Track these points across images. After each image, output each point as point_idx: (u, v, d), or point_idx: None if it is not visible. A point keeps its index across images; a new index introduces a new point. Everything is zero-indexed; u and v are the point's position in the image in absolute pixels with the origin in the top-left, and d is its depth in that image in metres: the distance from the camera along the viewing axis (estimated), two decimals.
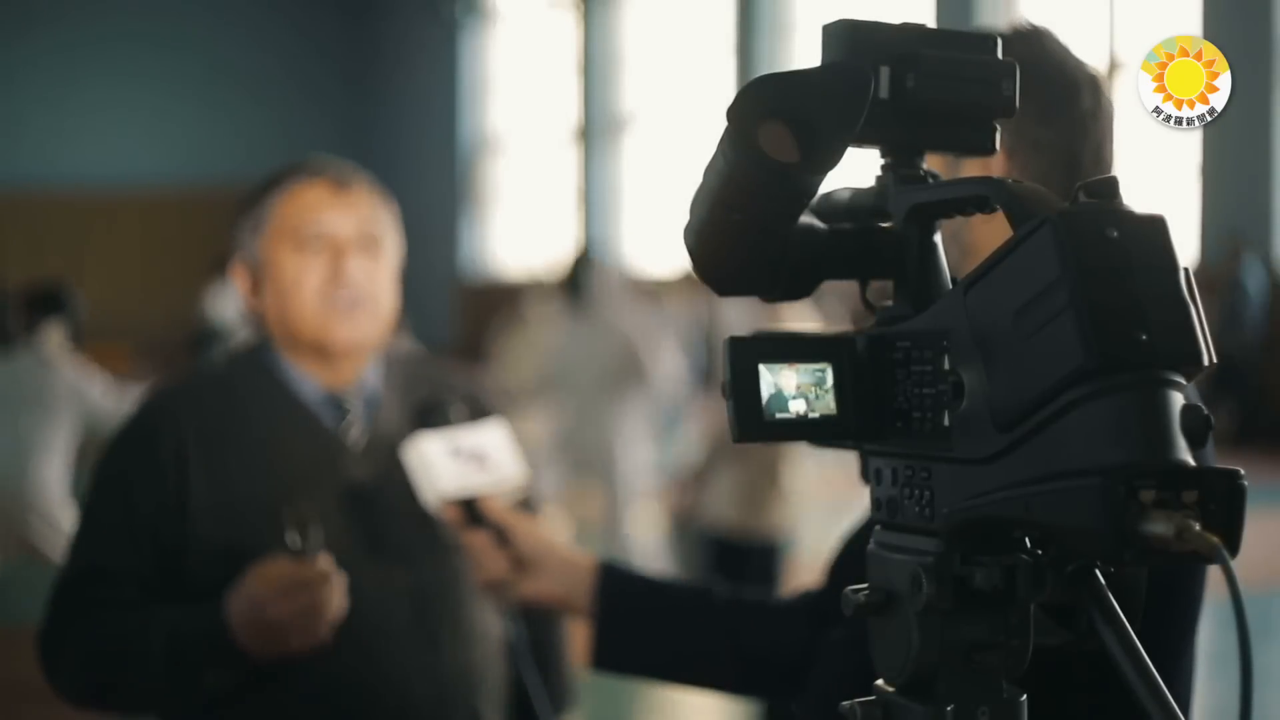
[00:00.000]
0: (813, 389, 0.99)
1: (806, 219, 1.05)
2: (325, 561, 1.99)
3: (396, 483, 2.13)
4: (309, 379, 2.27)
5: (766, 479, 5.06)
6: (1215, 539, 0.82)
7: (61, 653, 2.15)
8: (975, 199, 0.98)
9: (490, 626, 2.27)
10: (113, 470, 2.23)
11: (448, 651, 2.20)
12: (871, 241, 1.06)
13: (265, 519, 2.14)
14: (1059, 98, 1.48)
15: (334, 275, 2.22)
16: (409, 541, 2.20)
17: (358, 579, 2.11)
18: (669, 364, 7.29)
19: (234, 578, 2.09)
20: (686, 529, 5.40)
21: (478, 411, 2.26)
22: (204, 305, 13.60)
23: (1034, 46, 1.49)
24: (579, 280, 7.41)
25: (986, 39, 1.04)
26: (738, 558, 4.97)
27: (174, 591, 2.14)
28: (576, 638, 2.43)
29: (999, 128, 1.05)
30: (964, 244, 1.43)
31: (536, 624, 2.27)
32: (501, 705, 2.28)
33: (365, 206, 2.29)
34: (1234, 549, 0.83)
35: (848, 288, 1.08)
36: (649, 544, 7.13)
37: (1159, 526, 0.82)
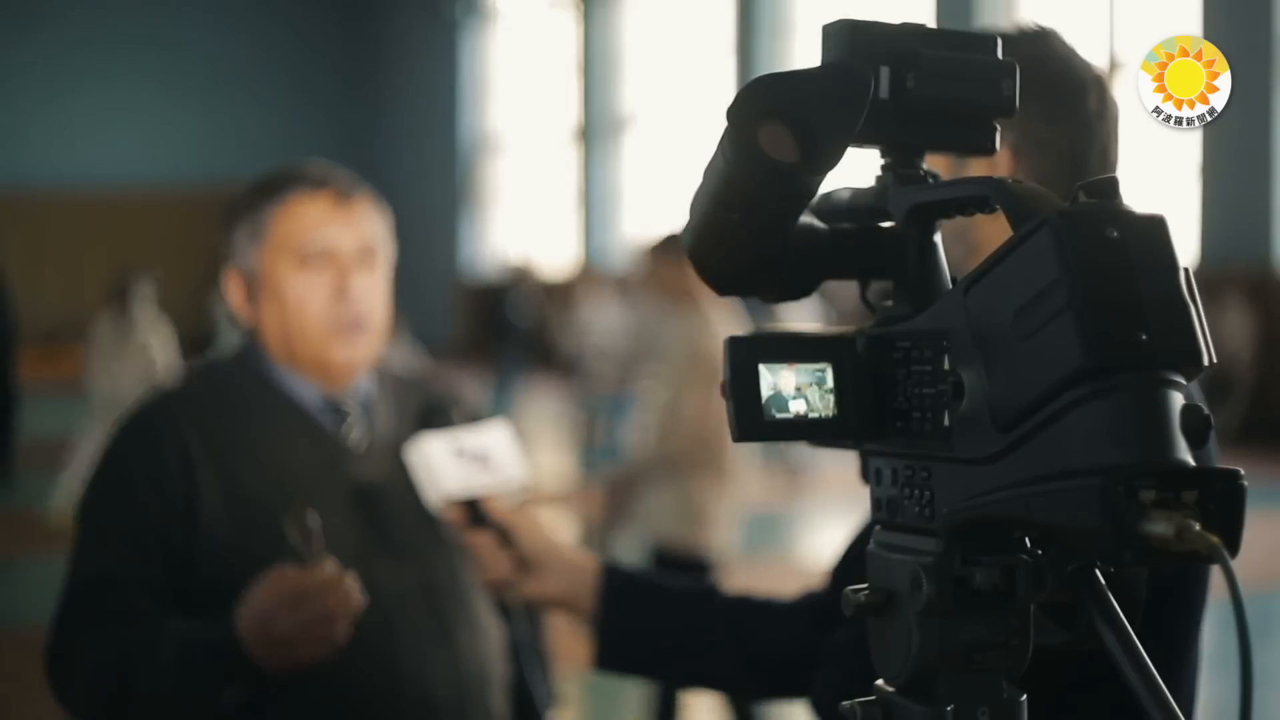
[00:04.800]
0: (813, 389, 0.99)
1: (806, 219, 1.05)
2: (331, 566, 1.94)
3: (401, 482, 2.14)
4: (306, 385, 2.27)
5: (708, 494, 5.08)
6: (1215, 539, 0.82)
7: (70, 669, 2.11)
8: (975, 199, 0.98)
9: (494, 623, 2.28)
10: (115, 474, 2.19)
11: (463, 647, 2.20)
12: (871, 241, 1.06)
13: (274, 522, 2.14)
14: (1065, 98, 1.48)
15: (337, 293, 2.22)
16: (418, 540, 2.21)
17: (372, 579, 2.10)
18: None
19: (243, 582, 2.08)
20: (609, 537, 5.45)
21: (468, 416, 2.27)
22: (210, 308, 13.61)
23: (1040, 47, 1.49)
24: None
25: (987, 39, 1.04)
26: (673, 571, 4.98)
27: (183, 597, 2.11)
28: (563, 638, 2.44)
29: (1000, 128, 1.05)
30: (969, 243, 1.43)
31: (520, 624, 2.28)
32: (506, 701, 2.29)
33: (366, 219, 2.28)
34: (1234, 549, 0.83)
35: (847, 288, 1.08)
36: None
37: (1159, 526, 0.82)
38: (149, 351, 9.99)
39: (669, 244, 5.37)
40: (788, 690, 1.83)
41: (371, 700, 2.12)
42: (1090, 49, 1.52)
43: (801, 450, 10.29)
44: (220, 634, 1.97)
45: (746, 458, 5.45)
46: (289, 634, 1.94)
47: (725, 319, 5.25)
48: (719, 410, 5.06)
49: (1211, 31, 13.28)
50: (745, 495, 5.58)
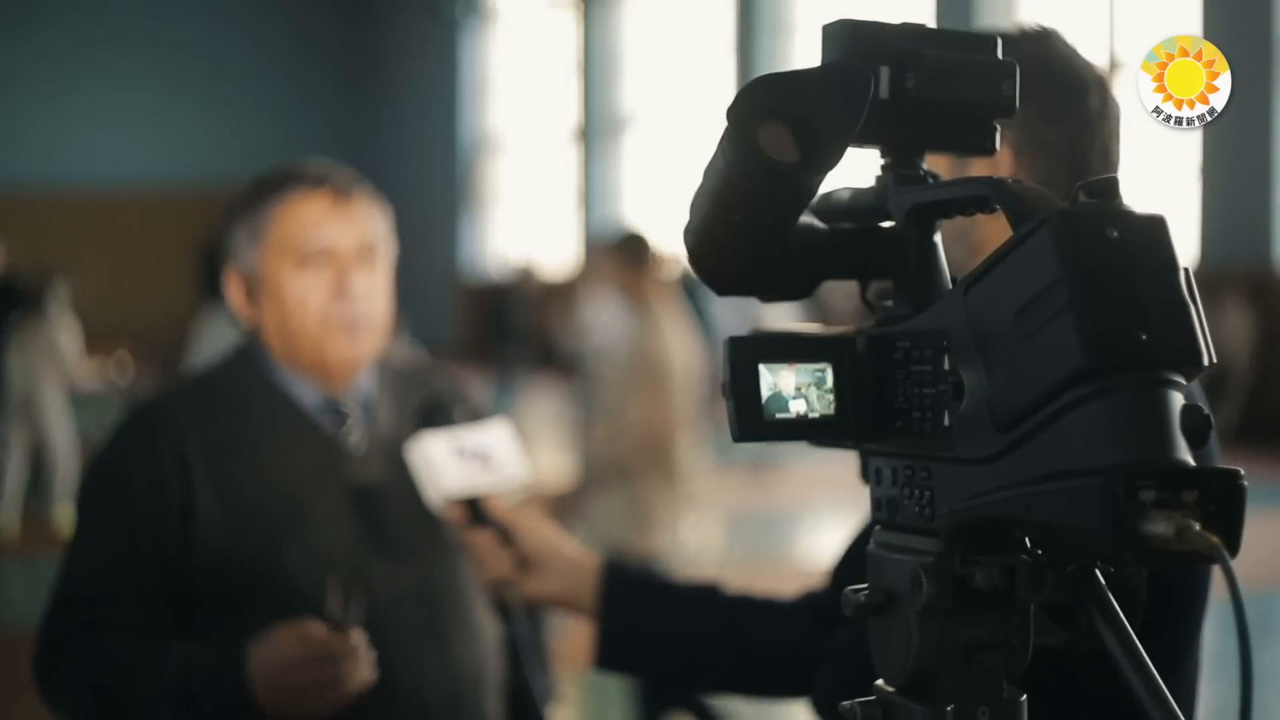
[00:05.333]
0: (812, 389, 0.99)
1: (806, 219, 1.05)
2: (359, 637, 1.93)
3: (400, 484, 2.13)
4: (306, 385, 2.26)
5: (656, 498, 5.07)
6: (1215, 539, 0.82)
7: (60, 672, 2.10)
8: (975, 199, 0.98)
9: (489, 624, 2.28)
10: (110, 477, 2.18)
11: (457, 649, 2.20)
12: (871, 241, 1.06)
13: (272, 526, 2.13)
14: (1067, 98, 1.48)
15: (337, 292, 2.21)
16: (415, 542, 2.20)
17: (369, 581, 2.10)
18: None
19: (238, 586, 2.07)
20: None
21: (470, 413, 2.26)
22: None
23: (1042, 47, 1.49)
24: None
25: (987, 39, 1.04)
26: None
27: (177, 602, 2.11)
28: (563, 638, 2.44)
29: (1000, 128, 1.05)
30: (970, 243, 1.43)
31: (520, 623, 2.27)
32: (500, 702, 2.29)
33: (365, 217, 2.27)
34: (1234, 549, 0.83)
35: (838, 288, 1.08)
36: None
37: (1159, 526, 0.82)
38: (57, 349, 10.00)
39: (625, 245, 5.35)
40: (788, 690, 1.83)
41: (365, 702, 2.11)
42: (1090, 49, 1.52)
43: (780, 450, 10.29)
44: (228, 667, 1.96)
45: (692, 460, 5.45)
46: (303, 686, 1.92)
47: (676, 324, 5.24)
48: (666, 413, 5.07)
49: (1211, 31, 13.28)
50: (693, 498, 5.59)
